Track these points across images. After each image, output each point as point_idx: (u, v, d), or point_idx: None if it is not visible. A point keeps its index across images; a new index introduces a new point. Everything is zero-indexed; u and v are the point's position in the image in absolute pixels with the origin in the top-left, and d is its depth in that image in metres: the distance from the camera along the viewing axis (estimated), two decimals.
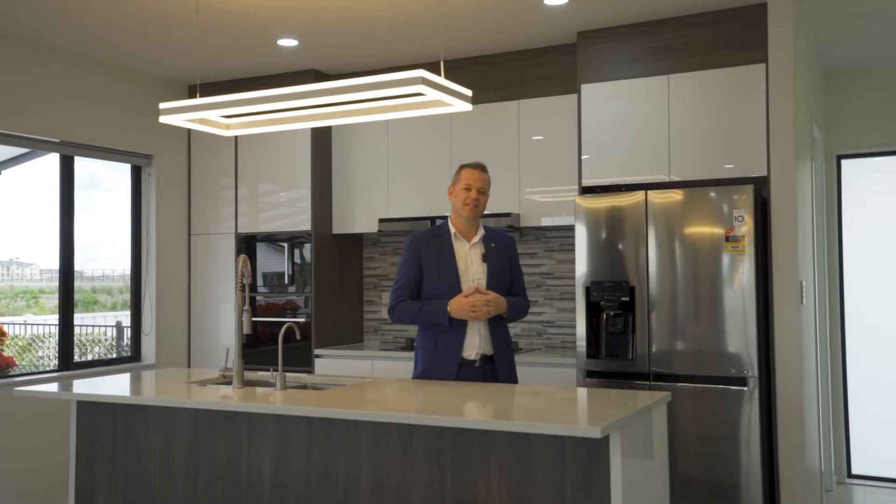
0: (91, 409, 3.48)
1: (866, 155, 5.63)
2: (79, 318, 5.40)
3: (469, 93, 3.26)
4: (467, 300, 3.44)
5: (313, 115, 3.52)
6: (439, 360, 3.55)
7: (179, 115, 3.35)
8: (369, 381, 3.60)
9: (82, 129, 5.17)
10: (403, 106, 3.34)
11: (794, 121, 4.12)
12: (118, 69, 5.43)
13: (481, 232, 3.63)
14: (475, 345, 3.53)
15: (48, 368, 5.18)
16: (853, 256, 5.67)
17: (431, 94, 3.05)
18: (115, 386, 3.65)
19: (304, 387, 3.67)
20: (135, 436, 3.37)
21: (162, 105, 3.39)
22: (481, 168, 3.60)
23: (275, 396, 3.17)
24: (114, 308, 5.77)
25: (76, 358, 5.29)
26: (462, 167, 3.61)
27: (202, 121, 3.51)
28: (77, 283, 5.29)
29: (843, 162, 5.69)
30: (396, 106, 3.35)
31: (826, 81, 5.65)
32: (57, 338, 5.17)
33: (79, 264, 5.33)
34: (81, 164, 5.31)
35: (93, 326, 5.64)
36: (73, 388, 3.52)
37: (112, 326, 5.77)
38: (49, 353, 5.28)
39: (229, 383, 3.53)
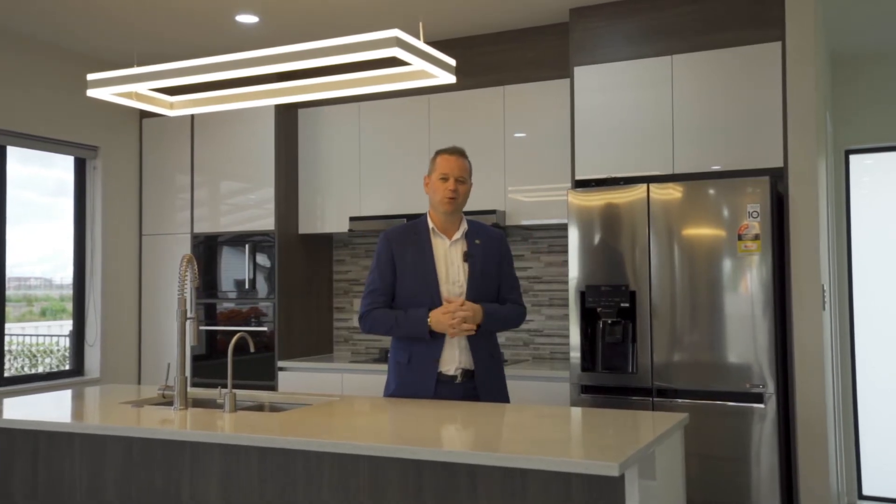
0: (7, 434, 2.99)
1: (877, 150, 5.24)
2: (32, 327, 5.15)
3: (452, 62, 2.80)
4: (445, 316, 2.98)
5: (271, 91, 3.03)
6: (414, 375, 3.11)
7: (109, 87, 2.84)
8: (336, 400, 3.15)
9: (16, 116, 4.75)
10: (377, 79, 2.87)
11: (815, 105, 3.71)
12: (57, 50, 5.00)
13: (464, 227, 3.18)
14: (455, 358, 3.09)
15: None
16: (861, 260, 5.28)
17: (408, 60, 2.58)
18: (36, 407, 3.19)
19: (260, 407, 3.22)
20: (58, 464, 2.90)
21: (90, 76, 2.89)
22: (459, 153, 3.13)
23: (222, 420, 2.72)
24: None
25: (23, 370, 4.96)
26: (438, 153, 3.15)
27: (139, 97, 3.00)
28: (45, 292, 5.10)
29: (852, 157, 5.29)
30: (369, 79, 2.87)
31: (833, 70, 5.26)
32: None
33: (48, 272, 5.20)
34: (52, 171, 5.06)
35: (47, 336, 5.32)
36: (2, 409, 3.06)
37: (65, 336, 5.34)
38: None
39: (170, 403, 3.04)
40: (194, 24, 4.59)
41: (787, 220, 3.80)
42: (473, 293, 3.09)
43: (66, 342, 5.32)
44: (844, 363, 5.22)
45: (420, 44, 2.61)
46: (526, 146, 4.60)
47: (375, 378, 4.46)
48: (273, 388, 4.87)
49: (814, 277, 3.74)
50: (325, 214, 5.14)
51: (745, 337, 3.66)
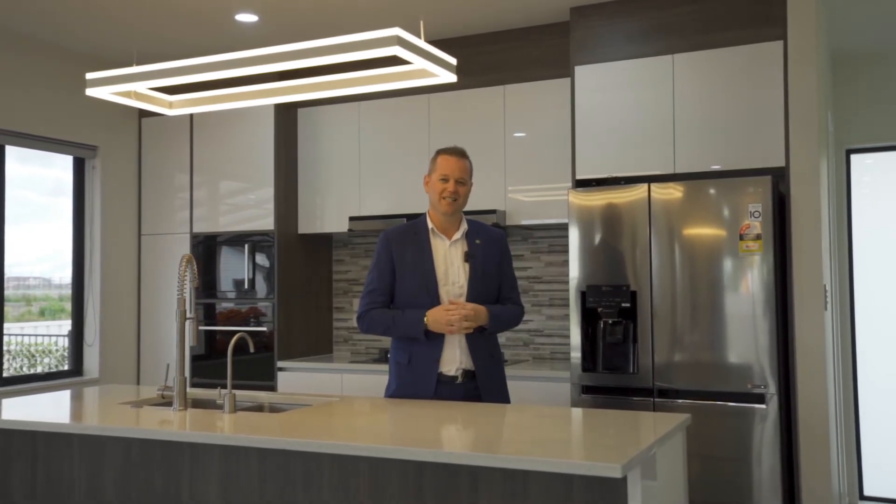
0: (5, 435, 2.97)
1: (878, 149, 5.22)
2: (31, 326, 5.16)
3: (453, 60, 2.78)
4: (446, 312, 2.96)
5: (271, 91, 3.01)
6: (414, 375, 3.09)
7: (108, 86, 2.83)
8: (336, 401, 3.12)
9: (15, 115, 4.72)
10: (377, 78, 2.85)
11: (816, 104, 3.69)
12: (57, 50, 4.96)
13: (464, 227, 3.16)
14: (455, 358, 3.07)
15: None
16: (862, 260, 5.26)
17: (409, 59, 2.56)
18: (35, 408, 3.17)
19: (260, 408, 3.20)
20: (57, 465, 2.88)
21: (88, 75, 2.87)
22: (460, 154, 3.11)
23: (222, 421, 2.70)
24: None
25: (22, 370, 4.94)
26: (438, 153, 3.13)
27: (138, 96, 2.99)
28: (44, 292, 5.10)
29: (853, 157, 5.27)
30: (369, 78, 2.85)
31: (834, 69, 5.24)
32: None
33: (47, 272, 5.20)
34: (51, 171, 5.05)
35: (46, 336, 5.31)
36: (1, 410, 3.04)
37: (64, 336, 5.34)
38: None
39: (170, 404, 3.02)
40: (194, 24, 4.56)
41: (788, 219, 3.78)
42: (474, 293, 3.07)
43: (64, 342, 5.30)
44: (846, 363, 5.20)
45: (421, 42, 2.59)
46: (526, 146, 4.58)
47: (375, 378, 4.44)
48: (272, 388, 4.85)
49: (815, 277, 3.72)
50: (325, 214, 5.12)
51: (746, 337, 3.65)
